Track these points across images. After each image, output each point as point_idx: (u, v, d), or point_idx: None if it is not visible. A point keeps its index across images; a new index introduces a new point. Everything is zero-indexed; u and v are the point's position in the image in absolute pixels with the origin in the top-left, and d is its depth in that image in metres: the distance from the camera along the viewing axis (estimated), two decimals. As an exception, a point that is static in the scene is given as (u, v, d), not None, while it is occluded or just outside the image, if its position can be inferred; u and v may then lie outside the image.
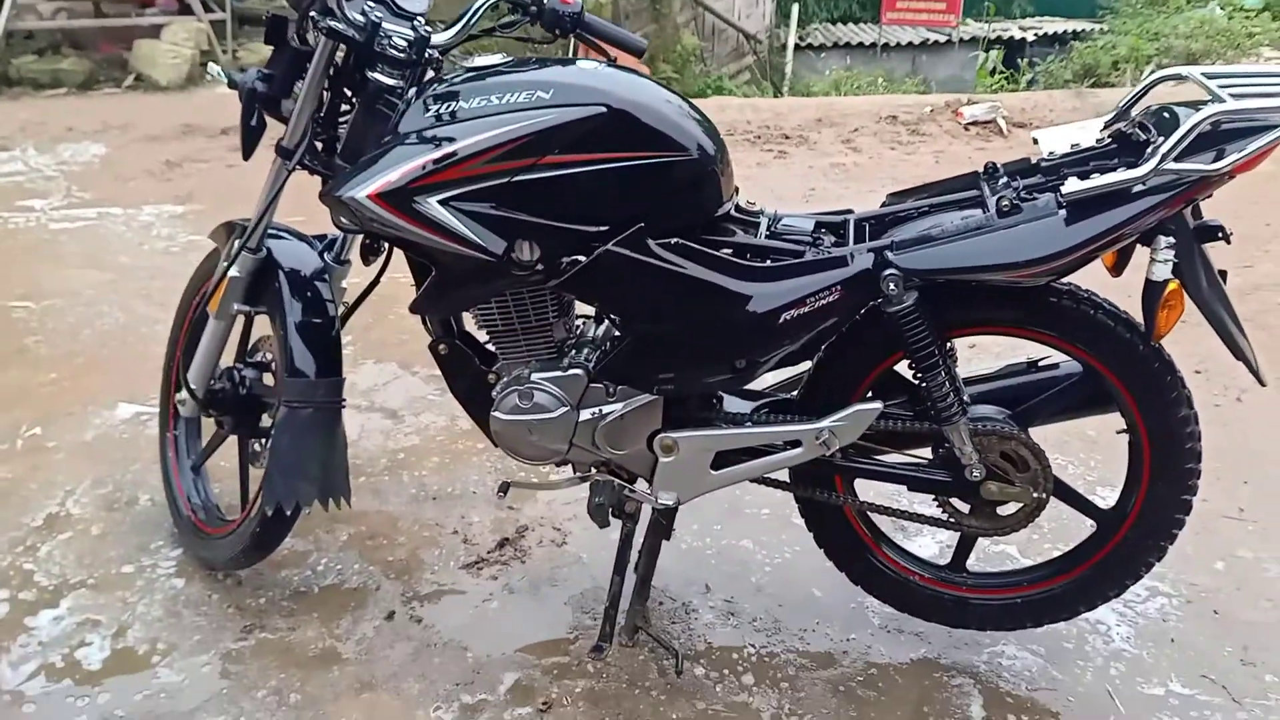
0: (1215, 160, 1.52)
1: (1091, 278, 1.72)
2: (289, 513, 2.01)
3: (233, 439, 2.33)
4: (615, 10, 10.71)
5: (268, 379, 2.27)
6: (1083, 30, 14.32)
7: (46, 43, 7.51)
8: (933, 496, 1.93)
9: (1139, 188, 1.55)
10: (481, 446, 2.81)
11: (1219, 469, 2.71)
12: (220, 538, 2.26)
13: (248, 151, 2.02)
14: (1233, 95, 1.51)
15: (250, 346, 2.33)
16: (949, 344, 1.85)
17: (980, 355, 2.96)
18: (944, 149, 6.20)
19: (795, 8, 15.40)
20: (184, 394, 2.26)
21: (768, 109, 6.96)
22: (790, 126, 6.45)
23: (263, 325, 2.23)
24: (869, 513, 2.01)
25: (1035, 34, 15.32)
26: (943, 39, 14.98)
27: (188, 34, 6.95)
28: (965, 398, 1.84)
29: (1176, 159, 1.52)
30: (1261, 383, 1.76)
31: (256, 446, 2.29)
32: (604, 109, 1.69)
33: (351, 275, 2.22)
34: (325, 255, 2.16)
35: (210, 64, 2.25)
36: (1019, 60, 13.87)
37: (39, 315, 3.68)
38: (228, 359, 2.29)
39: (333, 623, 2.16)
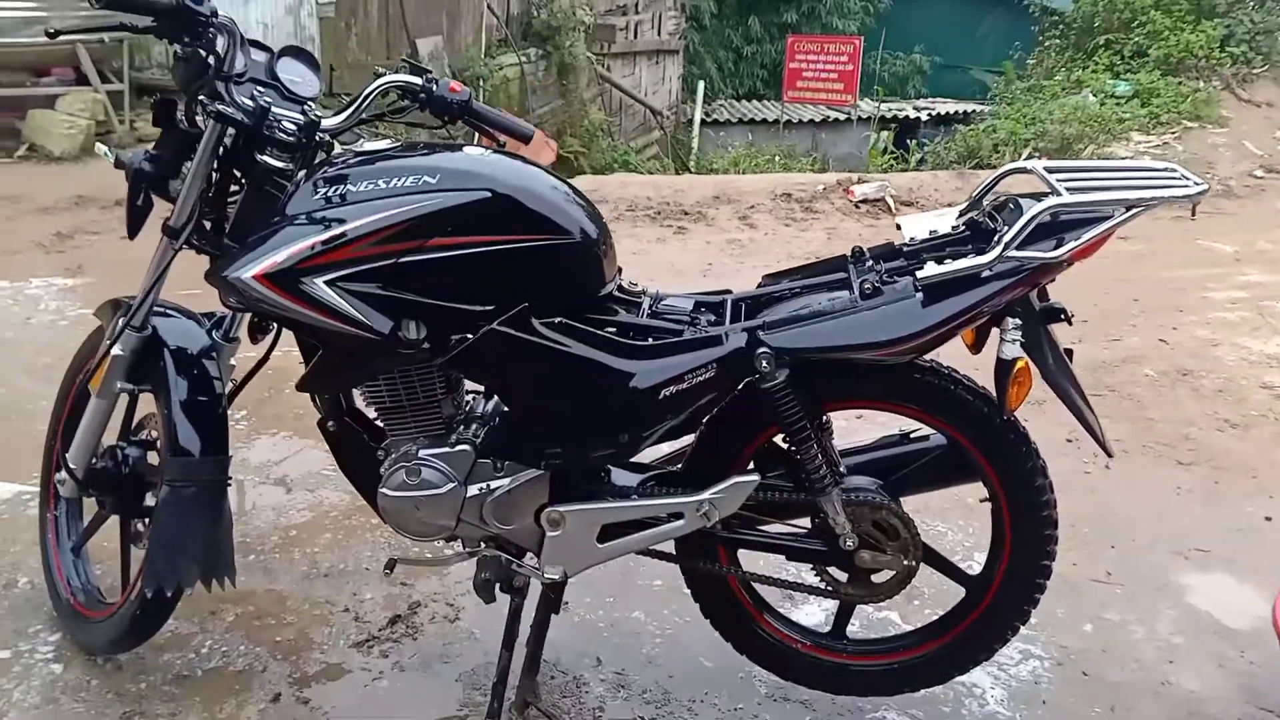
0: (1054, 248, 1.64)
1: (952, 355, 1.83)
2: (170, 594, 1.98)
3: (114, 519, 2.29)
4: (523, 85, 10.90)
5: (152, 458, 2.23)
6: (973, 111, 15.04)
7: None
8: (810, 565, 1.99)
9: (986, 273, 1.67)
10: (375, 522, 2.77)
11: (1087, 534, 2.84)
12: (100, 621, 2.20)
13: (133, 231, 2.03)
14: (1069, 189, 1.64)
15: (134, 425, 2.30)
16: (825, 418, 1.94)
17: (867, 425, 3.07)
18: (836, 226, 6.43)
19: (701, 85, 15.89)
20: (64, 474, 2.22)
21: (668, 186, 7.12)
22: (689, 203, 6.61)
23: (147, 403, 2.21)
24: (753, 582, 2.07)
25: (928, 114, 16.06)
26: (842, 117, 15.57)
27: (84, 105, 6.85)
28: (840, 469, 1.92)
29: (1018, 247, 1.64)
30: (1109, 454, 1.88)
31: (139, 527, 2.25)
32: (489, 193, 1.75)
33: (242, 350, 2.21)
34: (214, 333, 2.16)
35: (98, 143, 2.25)
36: (909, 141, 14.51)
37: (-86, 392, 3.55)
38: (111, 437, 2.25)
39: (216, 707, 2.11)
